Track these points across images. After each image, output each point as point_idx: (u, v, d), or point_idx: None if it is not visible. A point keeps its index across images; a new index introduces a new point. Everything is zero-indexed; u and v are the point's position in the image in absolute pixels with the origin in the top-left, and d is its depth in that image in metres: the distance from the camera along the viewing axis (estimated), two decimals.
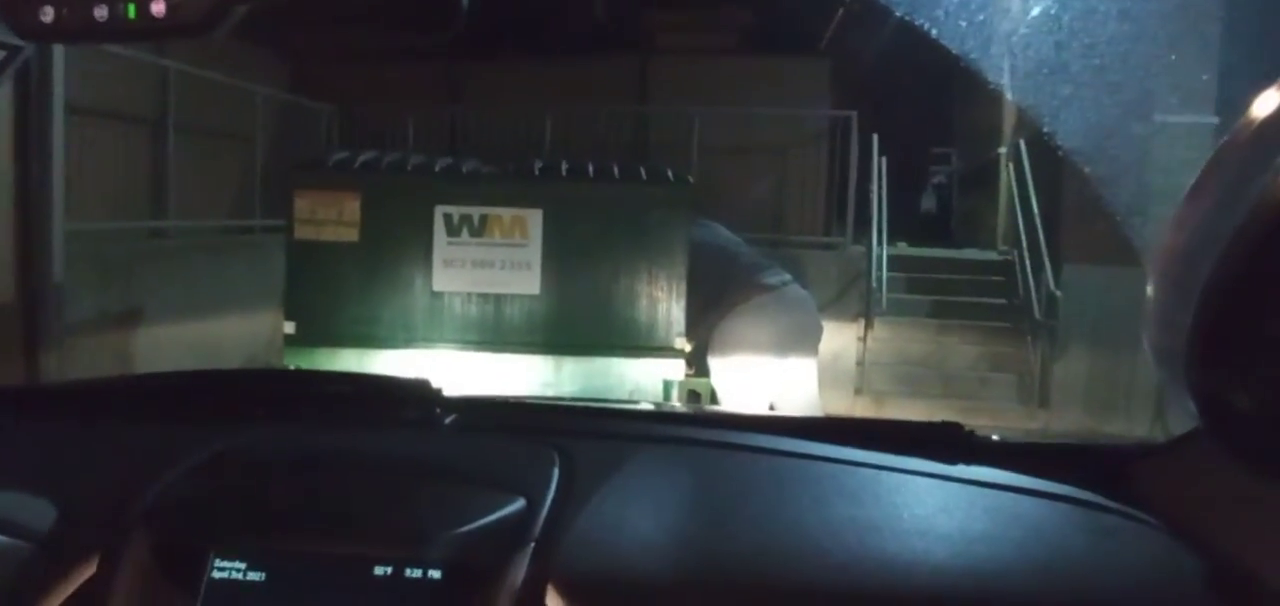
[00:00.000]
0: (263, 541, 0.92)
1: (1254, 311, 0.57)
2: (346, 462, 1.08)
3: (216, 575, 0.89)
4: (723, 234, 4.49)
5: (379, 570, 0.88)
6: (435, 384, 1.30)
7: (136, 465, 1.04)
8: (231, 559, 0.90)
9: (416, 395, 1.30)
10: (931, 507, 1.04)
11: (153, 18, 0.81)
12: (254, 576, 0.89)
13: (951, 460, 1.14)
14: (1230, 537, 0.92)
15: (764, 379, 3.95)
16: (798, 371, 4.03)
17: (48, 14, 0.83)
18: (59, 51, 3.31)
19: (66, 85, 3.65)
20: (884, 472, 1.12)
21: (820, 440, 1.20)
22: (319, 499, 0.99)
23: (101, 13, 0.82)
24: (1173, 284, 0.63)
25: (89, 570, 0.90)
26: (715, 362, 4.08)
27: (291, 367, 4.27)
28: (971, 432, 1.21)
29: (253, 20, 0.83)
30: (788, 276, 4.19)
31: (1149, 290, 0.65)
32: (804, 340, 4.09)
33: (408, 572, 0.88)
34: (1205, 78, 6.43)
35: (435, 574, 0.88)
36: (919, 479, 1.11)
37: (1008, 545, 0.97)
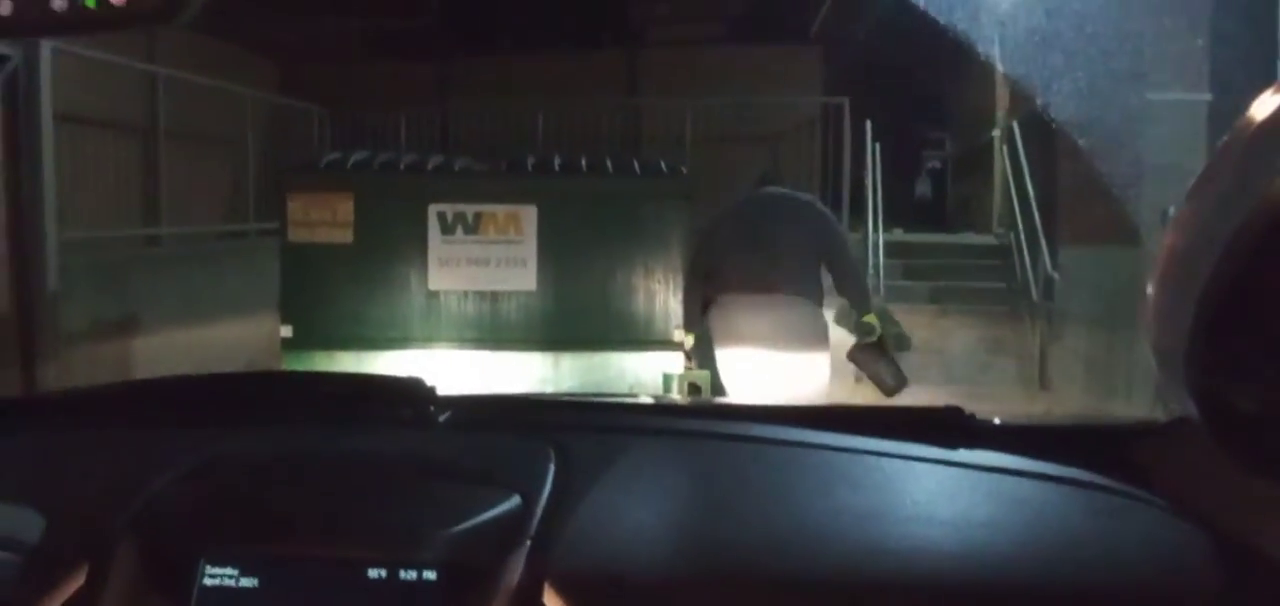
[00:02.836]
0: (254, 547, 0.90)
1: (1254, 311, 0.56)
2: (338, 464, 1.07)
3: (207, 582, 0.87)
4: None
5: (373, 572, 0.87)
6: (429, 382, 1.29)
7: (124, 472, 1.02)
8: (222, 565, 0.88)
9: (410, 393, 1.28)
10: (934, 493, 1.03)
11: (113, 7, 0.77)
12: (246, 582, 0.87)
13: (953, 445, 1.13)
14: (1232, 515, 0.91)
15: (767, 370, 3.81)
16: (804, 366, 3.87)
17: (4, 6, 0.78)
18: (46, 60, 3.29)
19: (55, 93, 3.63)
20: (885, 459, 1.10)
21: (820, 428, 1.18)
22: (310, 502, 0.97)
23: (60, 3, 0.77)
24: (1173, 284, 0.63)
25: (78, 581, 0.88)
26: (718, 354, 3.97)
27: (285, 370, 4.25)
28: (972, 417, 1.20)
29: (218, 9, 0.80)
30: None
31: (1149, 290, 0.65)
32: (803, 335, 3.93)
33: (402, 575, 0.86)
34: (1199, 54, 6.41)
35: (430, 575, 0.86)
36: (921, 465, 1.10)
37: (1011, 528, 0.96)
